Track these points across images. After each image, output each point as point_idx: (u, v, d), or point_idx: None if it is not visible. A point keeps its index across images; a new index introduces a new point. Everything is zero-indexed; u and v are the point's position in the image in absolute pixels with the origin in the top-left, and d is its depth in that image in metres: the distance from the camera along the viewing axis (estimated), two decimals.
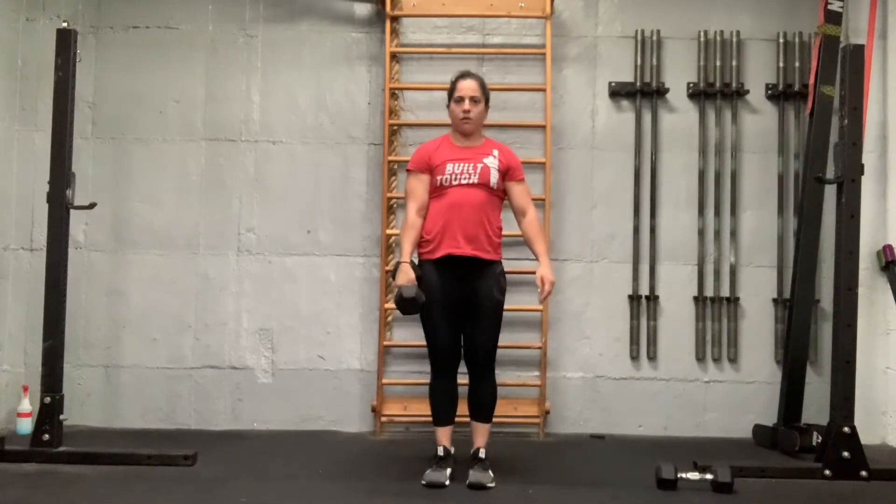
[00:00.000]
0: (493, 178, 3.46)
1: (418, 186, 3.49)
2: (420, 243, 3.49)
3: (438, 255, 3.41)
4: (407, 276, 3.38)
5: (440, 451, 3.48)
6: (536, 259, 3.51)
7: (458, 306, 3.43)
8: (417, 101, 4.64)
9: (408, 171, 3.57)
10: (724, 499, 3.27)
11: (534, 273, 4.37)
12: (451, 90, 3.55)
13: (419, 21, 4.65)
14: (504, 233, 3.57)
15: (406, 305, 3.36)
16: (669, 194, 4.63)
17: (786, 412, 4.25)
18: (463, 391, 3.56)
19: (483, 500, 3.21)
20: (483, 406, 3.52)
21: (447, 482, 3.37)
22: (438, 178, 3.45)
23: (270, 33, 4.67)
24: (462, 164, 3.45)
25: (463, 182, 3.43)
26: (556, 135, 4.60)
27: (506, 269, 3.55)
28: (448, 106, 3.56)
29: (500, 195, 3.53)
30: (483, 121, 3.57)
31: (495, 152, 3.53)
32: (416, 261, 3.47)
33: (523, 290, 4.25)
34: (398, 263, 3.43)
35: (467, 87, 3.50)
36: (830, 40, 4.29)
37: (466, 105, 3.47)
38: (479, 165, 3.46)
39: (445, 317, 3.43)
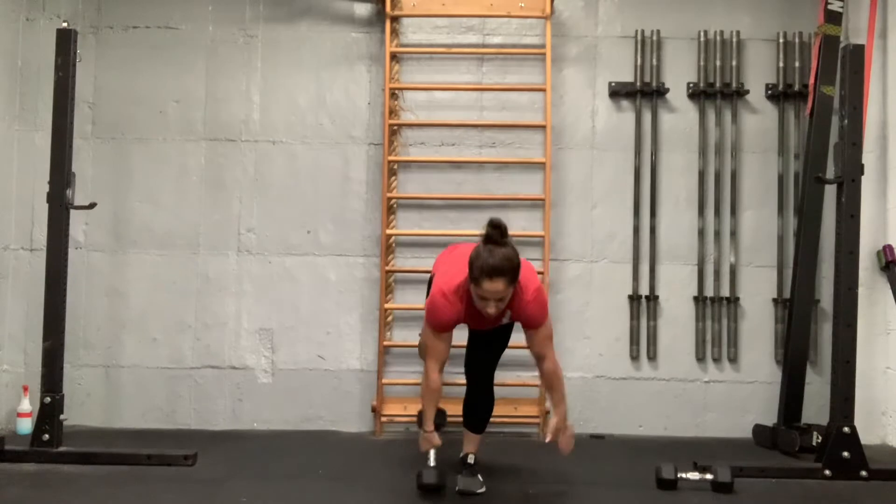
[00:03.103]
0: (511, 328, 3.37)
1: (439, 346, 3.17)
2: None
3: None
4: (431, 444, 3.28)
5: (470, 459, 3.40)
6: (552, 407, 3.27)
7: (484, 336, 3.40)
8: (417, 101, 4.64)
9: (427, 322, 3.18)
10: (724, 499, 3.27)
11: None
12: (475, 278, 2.95)
13: (419, 21, 4.65)
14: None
15: (427, 490, 3.24)
16: (669, 194, 4.63)
17: (786, 412, 4.25)
18: (459, 393, 3.54)
19: (484, 500, 3.21)
20: (478, 418, 3.44)
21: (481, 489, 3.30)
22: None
23: (270, 33, 4.67)
24: (479, 329, 3.31)
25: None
26: (556, 135, 4.60)
27: None
28: (469, 284, 3.02)
29: None
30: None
31: (508, 314, 3.17)
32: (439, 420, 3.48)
33: None
34: (422, 432, 3.32)
35: (493, 290, 2.93)
36: (830, 40, 4.29)
37: (491, 308, 2.99)
38: (497, 327, 3.29)
39: (479, 346, 3.41)
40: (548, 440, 3.19)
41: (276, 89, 4.66)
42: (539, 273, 4.43)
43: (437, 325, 3.14)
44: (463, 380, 3.52)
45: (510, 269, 2.92)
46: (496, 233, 2.95)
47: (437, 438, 3.28)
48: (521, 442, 4.35)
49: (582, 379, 4.56)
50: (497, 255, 2.91)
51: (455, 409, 3.59)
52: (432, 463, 3.28)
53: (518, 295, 3.07)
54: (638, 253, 4.60)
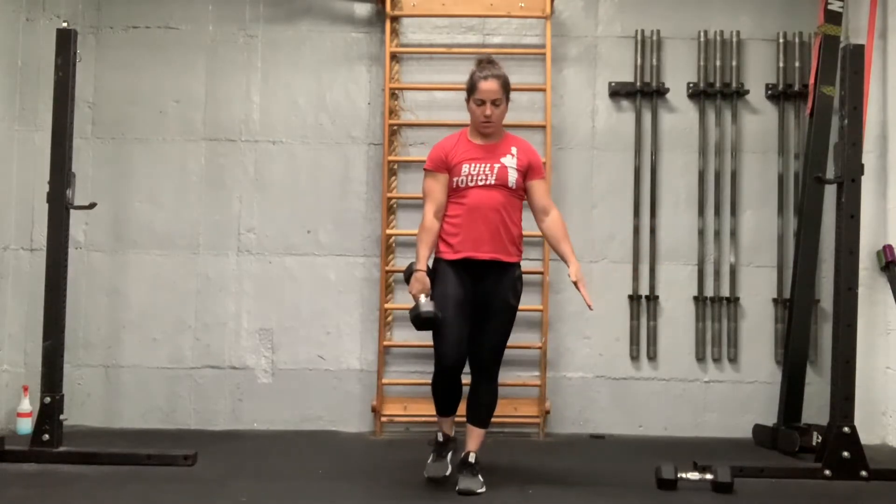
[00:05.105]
0: (512, 177, 3.34)
1: (436, 187, 3.38)
2: (438, 242, 3.39)
3: (457, 257, 3.33)
4: (423, 285, 3.29)
5: (439, 437, 3.49)
6: (564, 262, 3.40)
7: (471, 307, 3.36)
8: (417, 101, 4.64)
9: (425, 169, 3.42)
10: (724, 499, 3.27)
11: (534, 273, 4.42)
12: (471, 87, 3.37)
13: (419, 21, 4.65)
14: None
15: (423, 324, 3.27)
16: (669, 194, 4.63)
17: (786, 412, 4.25)
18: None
19: (484, 500, 3.21)
20: (481, 410, 3.45)
21: (448, 472, 3.39)
22: (455, 179, 3.35)
23: (270, 33, 4.67)
24: (478, 165, 3.34)
25: (480, 184, 3.32)
26: (556, 135, 4.60)
27: None
28: (467, 101, 3.39)
29: (520, 195, 3.42)
30: (503, 118, 3.42)
31: (514, 150, 3.40)
32: (429, 264, 3.39)
33: (523, 290, 4.24)
34: (412, 269, 3.33)
35: (489, 90, 3.32)
36: (830, 40, 4.29)
37: (488, 110, 3.32)
38: (497, 166, 3.33)
39: (458, 318, 3.32)
40: (575, 281, 3.35)
41: (276, 89, 4.66)
42: (539, 273, 4.45)
43: (432, 159, 3.42)
44: (469, 379, 3.50)
45: (502, 76, 3.38)
46: (486, 58, 3.46)
47: (427, 280, 3.31)
48: (521, 442, 4.35)
49: (582, 379, 4.57)
50: (490, 67, 3.40)
51: (460, 409, 3.58)
52: (423, 300, 3.26)
53: (521, 141, 3.50)
54: (638, 253, 4.60)
